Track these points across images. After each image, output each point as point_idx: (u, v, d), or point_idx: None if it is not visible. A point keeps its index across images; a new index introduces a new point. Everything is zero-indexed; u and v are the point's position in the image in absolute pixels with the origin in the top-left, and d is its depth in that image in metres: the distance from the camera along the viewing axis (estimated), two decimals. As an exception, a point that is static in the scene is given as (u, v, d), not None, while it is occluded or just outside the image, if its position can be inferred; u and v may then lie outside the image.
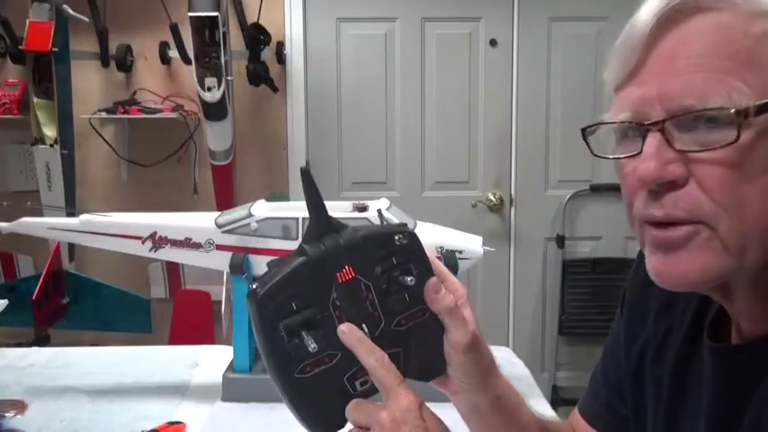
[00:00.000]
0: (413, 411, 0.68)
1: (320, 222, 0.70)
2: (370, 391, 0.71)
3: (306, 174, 0.70)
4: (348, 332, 0.70)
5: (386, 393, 0.70)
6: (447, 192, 3.58)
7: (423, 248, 0.72)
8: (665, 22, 0.64)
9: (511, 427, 0.82)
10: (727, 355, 0.73)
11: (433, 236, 1.51)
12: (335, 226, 0.70)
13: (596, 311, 3.45)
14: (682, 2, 0.64)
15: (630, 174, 0.67)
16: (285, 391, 0.69)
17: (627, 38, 0.67)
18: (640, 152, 0.65)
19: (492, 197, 3.57)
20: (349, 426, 0.72)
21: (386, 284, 0.70)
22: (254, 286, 0.68)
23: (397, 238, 0.70)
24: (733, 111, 0.60)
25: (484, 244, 1.54)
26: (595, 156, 0.71)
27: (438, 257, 1.47)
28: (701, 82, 0.61)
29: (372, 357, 0.70)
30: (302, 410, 0.70)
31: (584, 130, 0.72)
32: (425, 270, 0.71)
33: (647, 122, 0.64)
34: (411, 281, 0.70)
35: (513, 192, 3.60)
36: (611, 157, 0.70)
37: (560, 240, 3.57)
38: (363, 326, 0.69)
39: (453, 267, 1.46)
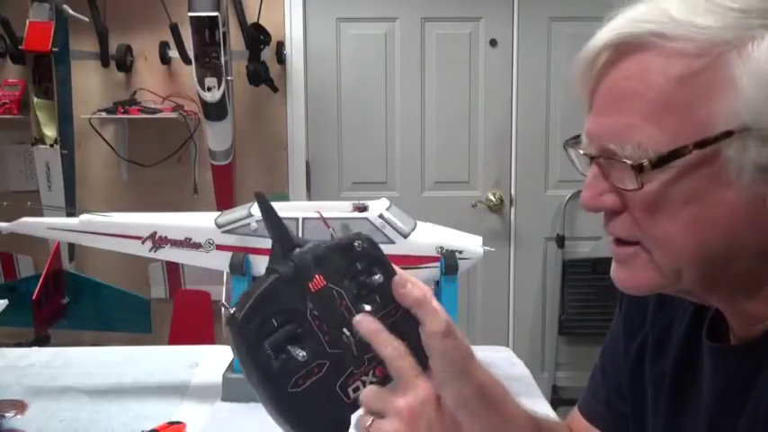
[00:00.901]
0: (431, 403, 0.70)
1: (284, 241, 0.72)
2: None
3: (261, 197, 0.73)
4: (364, 322, 0.71)
5: (403, 384, 0.71)
6: (447, 192, 3.58)
7: (382, 251, 0.74)
8: (608, 63, 0.69)
9: (497, 418, 0.82)
10: (724, 355, 0.74)
11: (433, 236, 1.51)
12: (299, 242, 0.72)
13: (596, 311, 3.44)
14: (623, 42, 0.67)
15: None
16: (280, 409, 0.69)
17: (582, 68, 0.71)
18: None
19: (492, 197, 3.57)
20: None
21: (356, 289, 0.72)
22: (232, 311, 0.69)
23: (356, 244, 0.73)
24: (630, 163, 0.65)
25: (484, 244, 1.54)
26: (578, 170, 0.76)
27: (438, 257, 1.47)
28: (621, 127, 0.66)
29: (390, 347, 0.71)
30: (300, 426, 0.70)
31: (565, 146, 0.76)
32: (389, 270, 0.74)
33: (588, 154, 0.71)
34: (379, 278, 0.72)
35: (513, 192, 3.60)
36: (583, 174, 0.75)
37: (560, 240, 3.57)
38: (344, 330, 0.70)
39: (453, 267, 1.46)
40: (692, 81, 0.64)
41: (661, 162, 0.64)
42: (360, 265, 0.72)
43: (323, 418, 0.70)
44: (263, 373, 0.68)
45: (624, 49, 0.67)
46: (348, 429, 0.72)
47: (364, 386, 0.71)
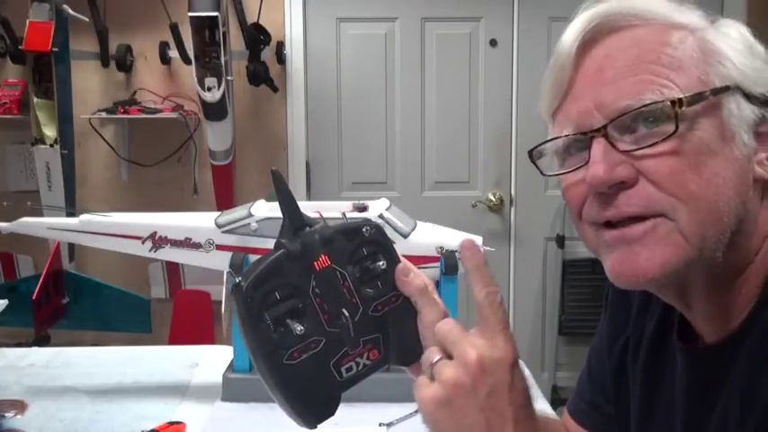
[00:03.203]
0: (505, 364, 0.66)
1: (294, 219, 0.73)
2: (355, 378, 0.73)
3: (276, 174, 0.74)
4: (470, 250, 0.69)
5: (482, 334, 0.67)
6: (447, 192, 3.58)
7: (389, 238, 0.76)
8: (588, 42, 0.70)
9: None
10: (695, 356, 0.75)
11: (433, 236, 1.51)
12: (309, 221, 0.74)
13: (596, 311, 3.39)
14: (599, 23, 0.70)
15: (575, 184, 0.72)
16: (275, 381, 0.71)
17: (554, 63, 0.72)
18: (587, 162, 0.69)
19: (492, 197, 3.57)
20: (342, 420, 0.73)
21: (359, 273, 0.73)
22: (238, 280, 0.71)
23: (365, 229, 0.74)
24: (668, 102, 0.65)
25: (484, 244, 1.54)
26: (545, 175, 0.76)
27: (438, 257, 1.47)
28: (633, 84, 0.67)
29: (485, 291, 0.67)
30: (293, 399, 0.72)
31: (530, 153, 0.76)
32: (393, 258, 0.75)
33: (589, 131, 0.69)
34: (382, 264, 0.74)
35: (513, 192, 3.60)
36: (559, 173, 0.74)
37: (560, 240, 3.57)
38: (343, 310, 0.72)
39: (453, 267, 1.46)
40: (685, 46, 0.68)
41: (694, 100, 0.66)
42: (366, 250, 0.74)
43: (314, 392, 0.72)
44: (261, 343, 0.70)
45: (606, 30, 0.70)
46: (337, 406, 0.73)
47: (357, 367, 0.73)
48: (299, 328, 0.70)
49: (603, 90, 0.68)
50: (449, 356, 0.67)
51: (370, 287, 0.73)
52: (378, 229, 0.75)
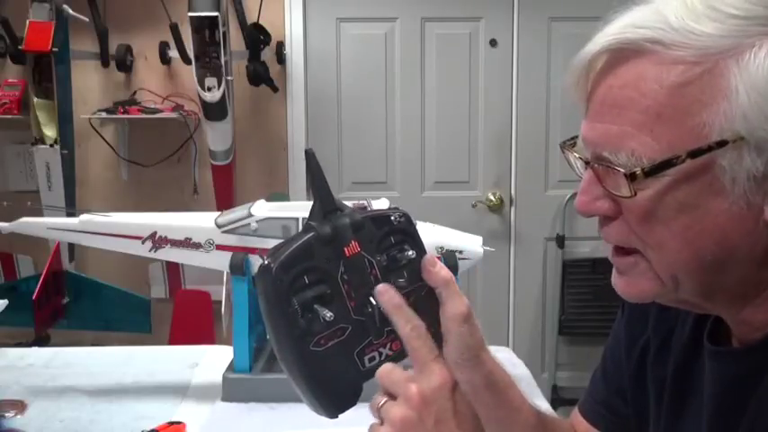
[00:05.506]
0: (445, 390, 0.69)
1: (325, 202, 0.72)
2: (377, 369, 0.72)
3: (310, 155, 0.73)
4: (386, 295, 0.71)
5: (418, 367, 0.70)
6: (447, 192, 3.58)
7: (416, 229, 0.75)
8: (605, 68, 0.68)
9: (504, 407, 0.82)
10: (725, 358, 0.74)
11: (433, 236, 1.51)
12: (340, 206, 0.73)
13: (596, 311, 3.44)
14: (619, 48, 0.67)
15: None
16: (300, 368, 0.70)
17: (577, 73, 0.71)
18: None
19: (492, 197, 3.57)
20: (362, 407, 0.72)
21: (386, 262, 0.73)
22: (266, 261, 0.69)
23: (394, 218, 0.74)
24: (623, 172, 0.65)
25: (484, 244, 1.54)
26: (577, 175, 0.75)
27: (438, 258, 1.47)
28: (615, 135, 0.66)
29: (409, 326, 0.70)
30: (316, 387, 0.70)
31: (561, 147, 0.76)
32: (420, 248, 0.75)
33: (584, 158, 0.70)
34: (410, 254, 0.73)
35: (513, 192, 3.60)
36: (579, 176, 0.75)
37: (560, 240, 3.57)
38: (370, 299, 0.71)
39: (453, 267, 1.46)
40: (688, 89, 0.63)
41: (653, 171, 0.63)
42: (394, 238, 0.73)
43: (338, 380, 0.71)
44: (288, 328, 0.69)
45: (620, 54, 0.66)
46: (359, 396, 0.72)
47: (380, 357, 0.72)
48: (328, 314, 0.68)
49: (596, 127, 0.68)
50: (393, 398, 0.70)
51: (397, 276, 0.73)
52: (407, 219, 0.74)
